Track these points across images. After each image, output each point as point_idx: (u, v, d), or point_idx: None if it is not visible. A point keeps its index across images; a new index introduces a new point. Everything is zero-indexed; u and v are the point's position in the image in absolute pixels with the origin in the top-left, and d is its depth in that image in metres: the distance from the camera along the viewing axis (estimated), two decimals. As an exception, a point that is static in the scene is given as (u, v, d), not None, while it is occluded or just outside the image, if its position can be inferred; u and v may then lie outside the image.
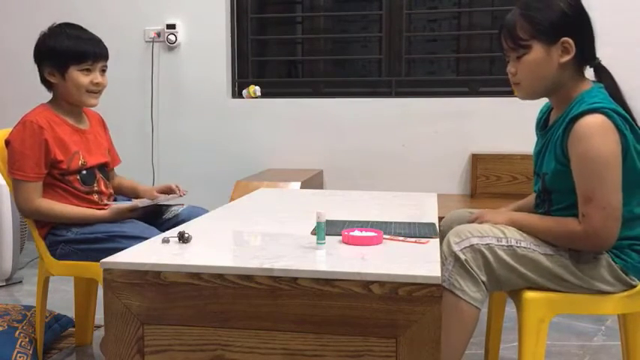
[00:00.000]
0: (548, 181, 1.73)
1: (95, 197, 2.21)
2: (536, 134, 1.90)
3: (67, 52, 2.15)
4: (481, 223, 1.74)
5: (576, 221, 1.62)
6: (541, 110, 1.91)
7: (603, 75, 1.71)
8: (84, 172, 2.19)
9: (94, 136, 2.29)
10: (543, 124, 1.85)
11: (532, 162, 1.88)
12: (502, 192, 3.57)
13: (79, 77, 2.16)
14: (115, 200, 2.30)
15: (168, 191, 2.32)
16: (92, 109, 2.31)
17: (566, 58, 1.66)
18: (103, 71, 2.23)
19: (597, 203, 1.57)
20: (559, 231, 1.65)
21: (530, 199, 1.93)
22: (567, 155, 1.63)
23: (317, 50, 4.28)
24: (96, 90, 2.20)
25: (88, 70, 2.17)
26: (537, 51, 1.67)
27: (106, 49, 2.22)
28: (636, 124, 1.64)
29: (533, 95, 1.76)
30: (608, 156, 1.57)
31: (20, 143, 2.09)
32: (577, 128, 1.59)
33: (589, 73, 1.74)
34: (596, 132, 1.57)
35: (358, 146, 3.89)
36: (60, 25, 2.22)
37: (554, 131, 1.71)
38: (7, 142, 2.12)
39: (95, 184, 2.22)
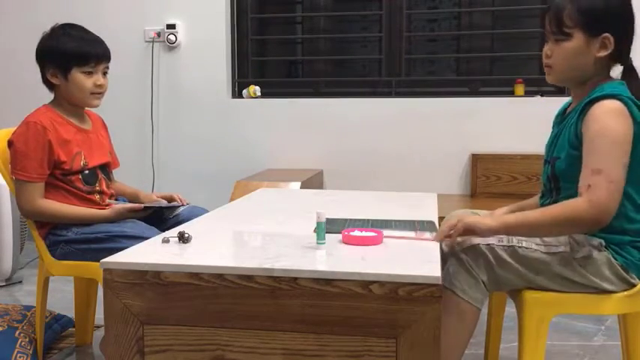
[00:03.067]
0: (558, 167, 1.72)
1: (97, 197, 2.21)
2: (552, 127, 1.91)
3: (70, 53, 2.14)
4: (464, 234, 1.63)
5: (577, 198, 1.59)
6: (563, 106, 1.92)
7: (631, 75, 1.71)
8: (86, 172, 2.19)
9: (96, 136, 2.28)
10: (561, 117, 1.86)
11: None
12: (502, 192, 3.57)
13: (82, 79, 2.15)
14: (116, 200, 2.30)
15: (170, 200, 2.31)
16: (94, 110, 2.31)
17: (603, 53, 1.68)
18: (105, 73, 2.23)
19: (605, 176, 1.55)
20: (562, 212, 1.59)
21: (534, 200, 1.93)
22: (581, 138, 1.64)
23: (317, 50, 4.28)
24: (98, 92, 2.20)
25: (90, 72, 2.17)
26: (578, 40, 1.68)
27: (108, 50, 2.22)
28: None
29: (562, 82, 1.80)
30: (620, 135, 1.58)
31: (23, 144, 2.09)
32: (592, 110, 1.62)
33: (617, 71, 1.76)
34: (610, 114, 1.60)
35: (358, 146, 3.89)
36: (62, 25, 2.21)
37: (570, 118, 1.73)
38: (10, 143, 2.12)
39: (97, 184, 2.22)
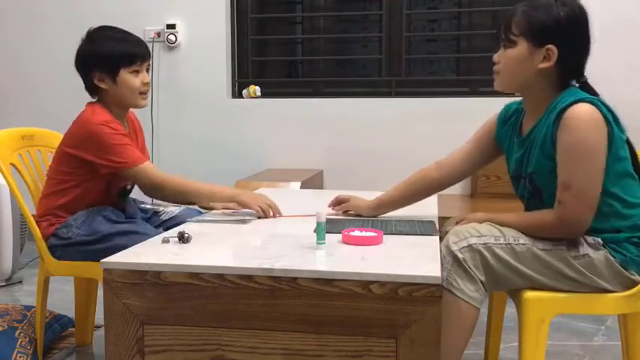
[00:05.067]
0: (538, 180, 1.73)
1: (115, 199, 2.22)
2: (497, 130, 1.92)
3: (117, 55, 2.10)
4: (463, 222, 1.77)
5: (549, 210, 1.66)
6: (508, 108, 1.92)
7: (586, 90, 1.71)
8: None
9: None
10: (518, 130, 1.84)
11: (512, 167, 1.86)
12: (502, 192, 3.57)
13: (131, 79, 2.12)
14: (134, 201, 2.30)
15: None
16: (134, 111, 2.29)
17: (545, 64, 1.68)
18: (147, 71, 2.19)
19: (574, 191, 1.60)
20: (531, 220, 1.69)
21: (391, 193, 2.04)
22: (556, 146, 1.65)
23: (317, 50, 4.28)
24: (145, 90, 2.17)
25: (137, 71, 2.13)
26: (521, 48, 1.70)
27: (149, 48, 2.20)
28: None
29: (506, 88, 1.80)
30: (593, 145, 1.59)
31: (114, 138, 2.04)
32: (566, 116, 1.61)
33: None
34: (584, 120, 1.60)
35: (358, 146, 3.89)
36: (100, 29, 2.17)
37: (537, 132, 1.72)
38: (95, 144, 2.04)
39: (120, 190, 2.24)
